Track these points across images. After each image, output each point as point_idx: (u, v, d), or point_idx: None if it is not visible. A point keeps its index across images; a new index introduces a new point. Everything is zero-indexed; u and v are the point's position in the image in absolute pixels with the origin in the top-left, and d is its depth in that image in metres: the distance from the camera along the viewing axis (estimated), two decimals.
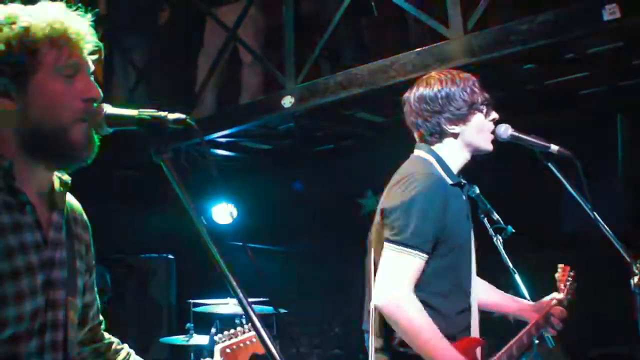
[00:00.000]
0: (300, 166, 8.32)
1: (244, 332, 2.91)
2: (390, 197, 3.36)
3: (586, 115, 6.55)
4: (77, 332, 2.32)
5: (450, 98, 3.43)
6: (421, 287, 3.28)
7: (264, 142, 7.95)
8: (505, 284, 4.23)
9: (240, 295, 1.91)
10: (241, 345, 2.85)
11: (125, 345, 2.67)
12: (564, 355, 6.08)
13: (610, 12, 4.69)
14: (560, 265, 4.22)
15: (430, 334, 3.17)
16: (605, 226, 3.45)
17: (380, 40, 7.10)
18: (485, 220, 4.39)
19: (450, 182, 3.43)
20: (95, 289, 2.52)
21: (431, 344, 3.17)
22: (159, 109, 2.08)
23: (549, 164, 3.58)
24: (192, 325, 6.53)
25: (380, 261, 3.28)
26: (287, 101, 6.39)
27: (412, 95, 3.55)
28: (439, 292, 3.34)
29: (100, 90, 2.19)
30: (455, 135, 3.47)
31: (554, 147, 3.54)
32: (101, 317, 2.58)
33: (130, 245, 7.72)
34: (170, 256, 8.05)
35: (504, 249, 4.34)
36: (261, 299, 6.71)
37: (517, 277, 4.25)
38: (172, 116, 2.04)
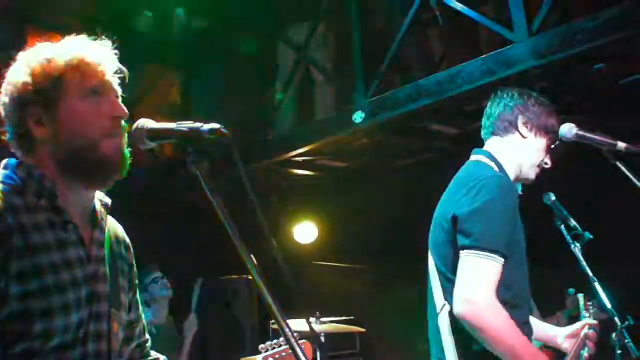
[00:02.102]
0: (379, 182, 8.27)
1: (280, 345, 3.03)
2: (461, 203, 3.30)
3: None
4: (122, 344, 2.41)
5: (540, 110, 3.56)
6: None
7: (340, 160, 7.93)
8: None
9: (276, 311, 1.92)
10: (283, 354, 2.97)
11: None
12: None
13: None
14: (580, 296, 4.22)
15: (517, 339, 3.11)
16: None
17: (450, 50, 7.04)
18: (563, 227, 4.31)
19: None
20: (141, 307, 2.62)
21: (519, 349, 3.10)
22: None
23: (618, 163, 3.45)
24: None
25: (459, 269, 3.21)
26: (358, 116, 6.39)
27: (510, 90, 3.69)
28: (508, 301, 3.23)
29: (125, 109, 2.31)
30: (523, 137, 3.52)
31: (621, 145, 3.38)
32: (147, 336, 2.68)
33: (211, 268, 7.81)
34: (251, 277, 8.08)
35: (583, 257, 4.26)
36: (345, 318, 6.67)
37: (598, 286, 4.14)
38: (207, 126, 2.08)
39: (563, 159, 3.73)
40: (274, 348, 3.03)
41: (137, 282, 2.57)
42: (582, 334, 3.80)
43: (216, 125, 2.08)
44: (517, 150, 3.53)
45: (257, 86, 8.08)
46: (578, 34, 4.92)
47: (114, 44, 2.39)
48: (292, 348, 1.89)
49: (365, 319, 7.03)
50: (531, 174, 3.56)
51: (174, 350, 6.46)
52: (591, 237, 4.23)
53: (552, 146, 3.56)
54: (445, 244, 3.33)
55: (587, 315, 4.07)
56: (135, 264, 2.56)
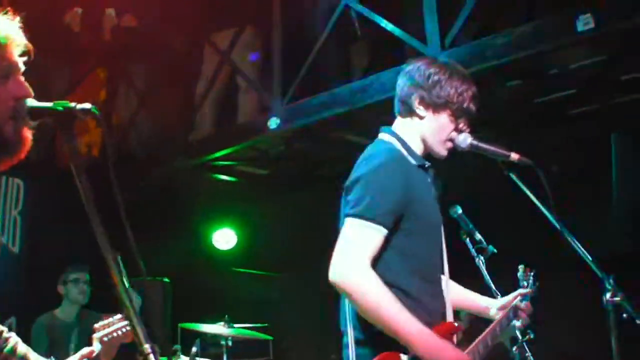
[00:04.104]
0: (300, 191, 8.27)
1: (114, 323, 3.52)
2: (352, 174, 3.23)
3: (578, 135, 6.43)
4: None
5: (438, 84, 3.33)
6: (387, 266, 3.11)
7: (260, 167, 7.91)
8: None
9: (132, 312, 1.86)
10: (114, 334, 3.49)
11: (13, 334, 2.75)
12: None
13: (585, 23, 4.64)
14: (521, 266, 4.11)
15: (390, 307, 2.97)
16: (575, 240, 3.28)
17: (372, 61, 7.09)
18: (468, 240, 4.34)
19: (413, 162, 3.33)
20: None
21: (393, 317, 2.96)
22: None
23: (511, 174, 3.46)
24: (180, 347, 6.50)
25: (339, 236, 3.11)
26: (273, 122, 6.40)
27: (415, 62, 3.49)
28: (407, 272, 3.17)
29: (30, 89, 2.24)
30: (420, 117, 3.36)
31: (515, 156, 3.36)
32: None
33: (126, 269, 7.72)
34: (166, 279, 8.02)
35: (486, 269, 4.29)
36: (259, 324, 6.67)
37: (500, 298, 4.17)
38: (80, 106, 2.08)
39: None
40: (104, 328, 3.50)
41: None
42: (512, 305, 3.74)
43: (87, 106, 2.08)
44: (418, 129, 3.39)
45: (181, 87, 8.04)
46: (487, 50, 5.00)
47: (21, 19, 2.30)
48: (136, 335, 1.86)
49: (279, 326, 7.03)
50: (441, 149, 3.41)
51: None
52: (495, 250, 4.28)
53: (459, 113, 3.37)
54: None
55: (524, 284, 3.99)
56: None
